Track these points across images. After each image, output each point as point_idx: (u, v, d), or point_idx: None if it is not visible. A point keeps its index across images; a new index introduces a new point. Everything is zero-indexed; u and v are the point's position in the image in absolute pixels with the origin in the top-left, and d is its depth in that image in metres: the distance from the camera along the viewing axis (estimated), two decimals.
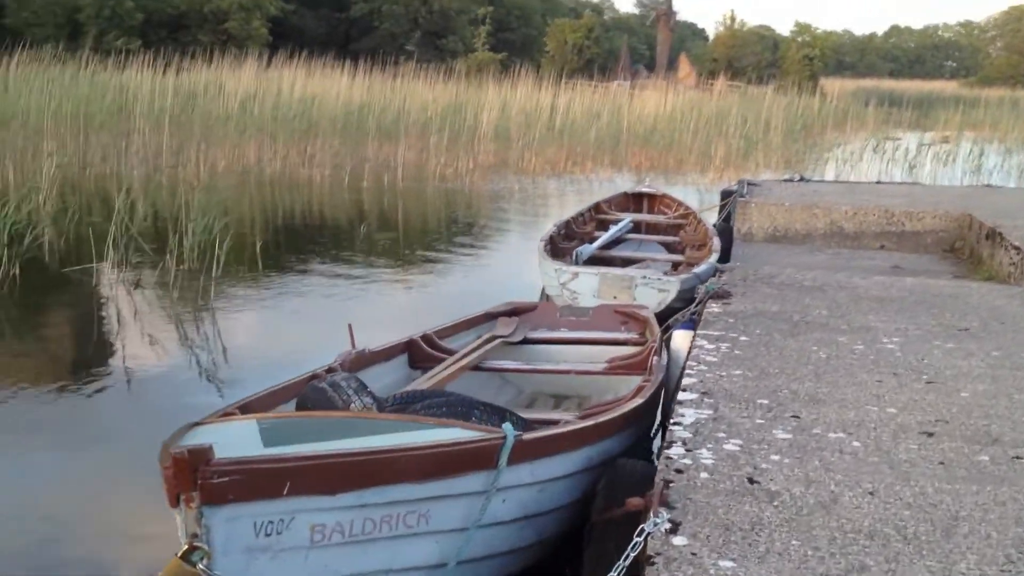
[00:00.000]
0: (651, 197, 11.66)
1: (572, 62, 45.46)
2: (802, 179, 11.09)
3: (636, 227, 10.73)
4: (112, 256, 8.74)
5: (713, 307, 4.97)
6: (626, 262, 9.38)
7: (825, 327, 4.55)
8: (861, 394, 3.58)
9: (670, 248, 10.10)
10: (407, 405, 3.74)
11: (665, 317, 6.07)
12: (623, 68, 43.80)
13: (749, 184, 10.51)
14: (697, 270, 7.56)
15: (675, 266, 8.99)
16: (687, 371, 3.82)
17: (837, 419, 3.31)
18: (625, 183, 17.25)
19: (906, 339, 4.36)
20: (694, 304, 5.18)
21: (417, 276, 9.82)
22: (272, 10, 46.60)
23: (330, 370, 4.26)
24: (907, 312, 4.92)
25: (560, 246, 9.17)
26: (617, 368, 5.11)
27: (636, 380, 4.71)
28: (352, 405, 3.50)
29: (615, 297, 7.21)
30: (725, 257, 8.66)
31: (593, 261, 9.01)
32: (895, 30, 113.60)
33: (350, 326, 4.59)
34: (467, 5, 49.63)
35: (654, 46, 54.08)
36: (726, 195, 10.18)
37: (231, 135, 17.43)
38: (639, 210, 11.57)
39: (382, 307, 8.47)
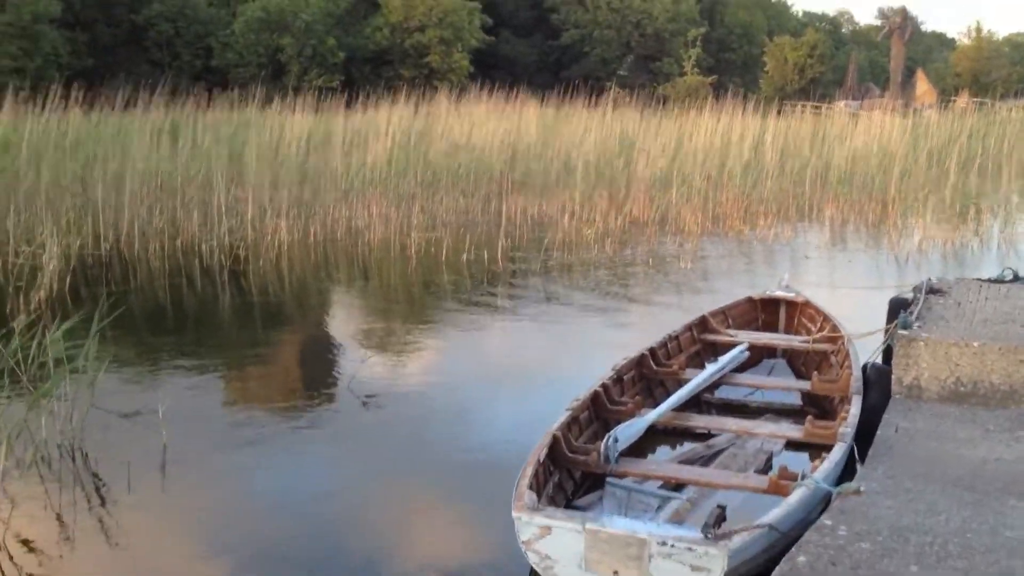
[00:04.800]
0: (789, 305, 8.02)
1: (793, 82, 40.98)
2: (1016, 278, 7.20)
3: (755, 355, 7.25)
4: None
5: None
6: (706, 437, 5.85)
7: None
8: None
9: (802, 399, 6.57)
10: None
11: None
12: (850, 87, 39.10)
13: (930, 291, 6.77)
14: (773, 517, 3.93)
15: (788, 445, 5.59)
16: None
17: None
18: (810, 246, 13.60)
19: None
20: None
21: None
22: (473, 42, 45.41)
23: None
24: None
25: (614, 406, 5.79)
26: None
27: None
28: None
29: (615, 573, 3.91)
30: (867, 434, 5.11)
31: (628, 455, 5.34)
32: None
33: None
34: (683, 27, 46.33)
35: None
36: (896, 309, 6.58)
37: (341, 193, 15.18)
38: (772, 325, 8.00)
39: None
